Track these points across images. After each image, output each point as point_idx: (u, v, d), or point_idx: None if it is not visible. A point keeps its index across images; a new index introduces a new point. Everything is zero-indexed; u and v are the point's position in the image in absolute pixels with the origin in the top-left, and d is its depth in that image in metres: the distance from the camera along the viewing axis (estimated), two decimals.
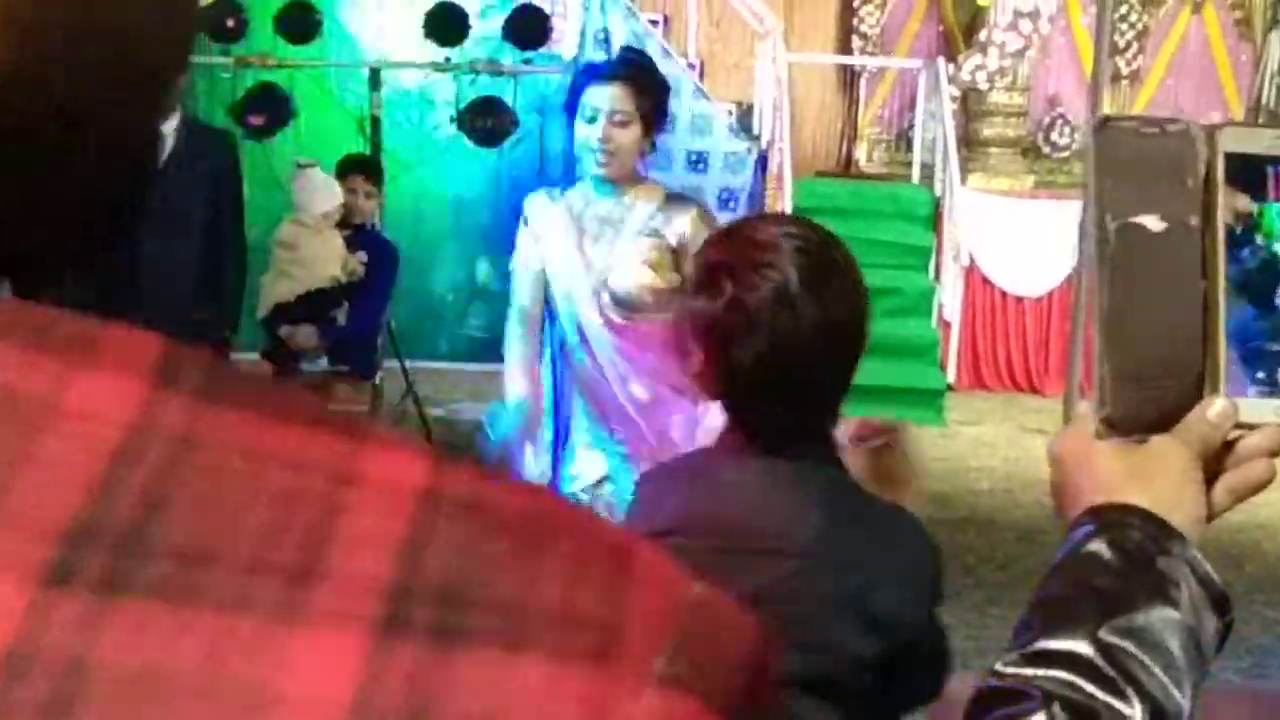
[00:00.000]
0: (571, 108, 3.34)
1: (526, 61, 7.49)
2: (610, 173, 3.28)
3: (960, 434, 8.44)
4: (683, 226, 3.29)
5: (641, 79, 3.34)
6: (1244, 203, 0.84)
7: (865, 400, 9.30)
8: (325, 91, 8.96)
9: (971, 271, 9.51)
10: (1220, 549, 5.26)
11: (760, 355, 1.61)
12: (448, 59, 7.13)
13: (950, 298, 9.50)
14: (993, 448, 8.08)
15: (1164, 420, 0.85)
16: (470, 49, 7.38)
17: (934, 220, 9.81)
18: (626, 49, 3.44)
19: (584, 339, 3.33)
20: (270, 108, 6.81)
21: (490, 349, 9.61)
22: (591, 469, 3.39)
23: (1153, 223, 0.83)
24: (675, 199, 3.42)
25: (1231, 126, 0.85)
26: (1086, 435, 0.87)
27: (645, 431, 3.31)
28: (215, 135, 5.49)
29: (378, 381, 6.61)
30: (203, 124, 5.57)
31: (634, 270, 3.27)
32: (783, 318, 1.60)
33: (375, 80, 6.82)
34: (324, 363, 5.29)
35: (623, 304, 3.29)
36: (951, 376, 9.42)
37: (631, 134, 3.26)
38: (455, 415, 8.23)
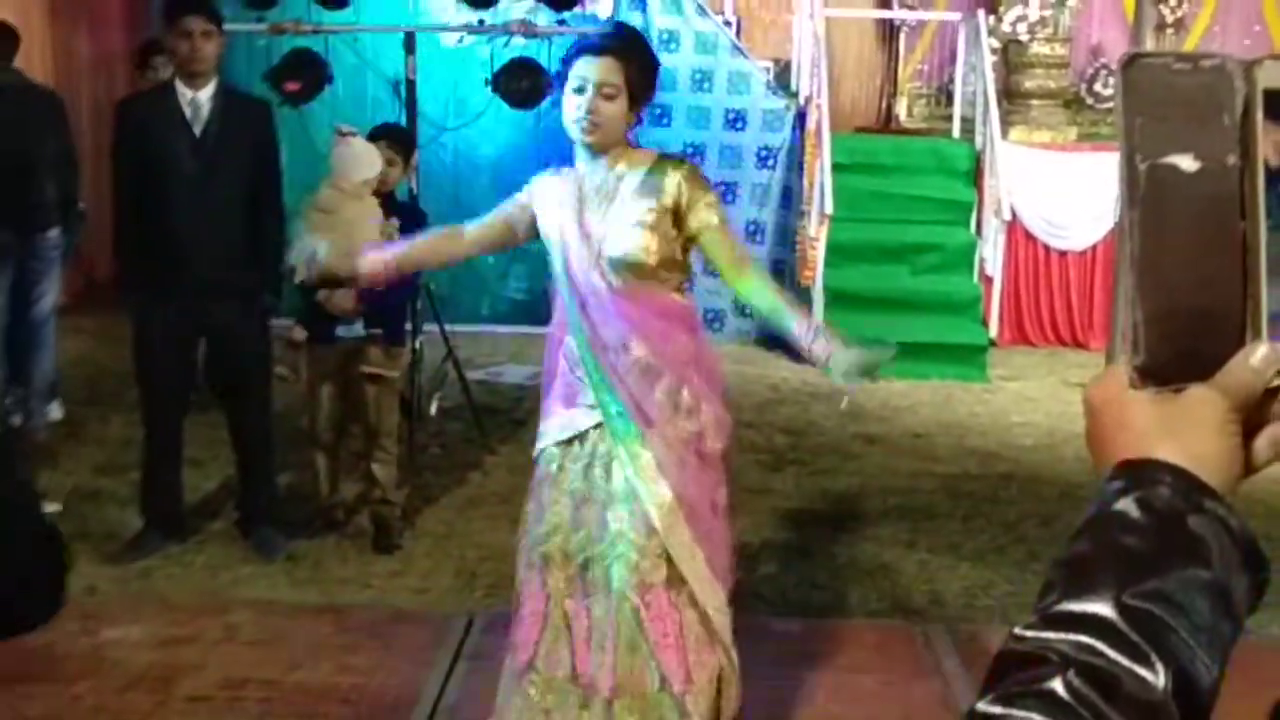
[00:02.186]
0: (562, 77, 3.37)
1: (561, 23, 7.45)
2: (594, 140, 3.33)
3: (1003, 389, 8.38)
4: (674, 186, 3.33)
5: (632, 53, 3.37)
6: None
7: (908, 356, 9.29)
8: (360, 56, 8.96)
9: (1013, 226, 9.41)
10: (1263, 503, 5.21)
11: None
12: (481, 21, 7.10)
13: (992, 253, 9.41)
14: (1035, 403, 8.03)
15: (1202, 368, 0.82)
16: (504, 11, 7.35)
17: (975, 175, 9.72)
18: (619, 23, 3.47)
19: (587, 306, 3.36)
20: (306, 74, 6.81)
21: (531, 311, 9.69)
22: (559, 427, 3.43)
23: (1186, 162, 0.80)
24: (666, 159, 3.46)
25: (1272, 60, 0.81)
26: (1121, 385, 0.83)
27: (646, 392, 3.33)
28: (253, 102, 5.50)
29: (418, 345, 6.63)
30: (240, 91, 5.58)
31: (629, 234, 3.32)
32: None
33: (410, 44, 6.79)
34: (359, 327, 5.30)
35: (620, 268, 3.33)
36: (994, 332, 9.36)
37: (618, 106, 3.31)
38: (496, 378, 8.25)
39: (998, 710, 0.74)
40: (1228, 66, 0.81)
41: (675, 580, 3.33)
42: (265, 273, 5.17)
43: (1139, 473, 0.81)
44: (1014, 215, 9.34)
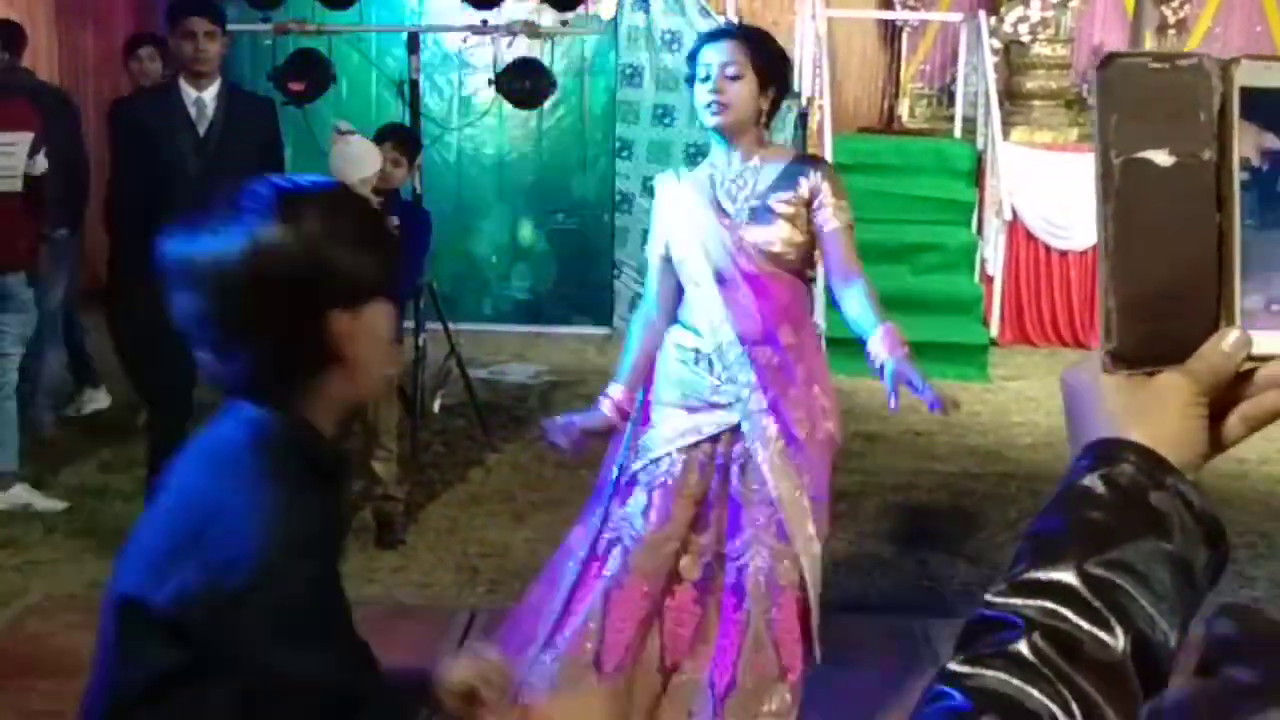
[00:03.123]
0: (691, 78, 3.42)
1: (564, 23, 7.49)
2: (725, 122, 3.35)
3: (1004, 389, 8.42)
4: (816, 180, 3.38)
5: (753, 37, 3.46)
6: (1267, 139, 0.84)
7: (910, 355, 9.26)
8: (364, 57, 9.01)
9: (1015, 226, 9.45)
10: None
11: None
12: (484, 21, 7.14)
13: (993, 253, 9.45)
14: (1036, 402, 8.06)
15: (1176, 353, 0.85)
16: (507, 11, 7.39)
17: (976, 175, 9.76)
18: (744, 24, 3.56)
19: (728, 297, 3.38)
20: (310, 73, 6.84)
21: (533, 311, 9.74)
22: (677, 432, 3.45)
23: (1161, 157, 0.83)
24: (806, 158, 3.59)
25: (1249, 60, 0.84)
26: (1095, 369, 0.88)
27: (785, 387, 3.37)
28: (258, 101, 5.54)
29: (421, 343, 6.67)
30: (244, 90, 5.62)
31: (769, 223, 3.37)
32: None
33: (413, 44, 6.84)
34: None
35: (761, 256, 3.37)
36: (995, 331, 9.39)
37: (746, 87, 3.34)
38: (499, 376, 8.29)
39: (967, 669, 0.79)
40: (1204, 65, 0.84)
41: (802, 578, 3.39)
42: None
43: (1106, 451, 0.85)
44: (1015, 215, 9.37)
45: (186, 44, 5.06)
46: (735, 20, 10.33)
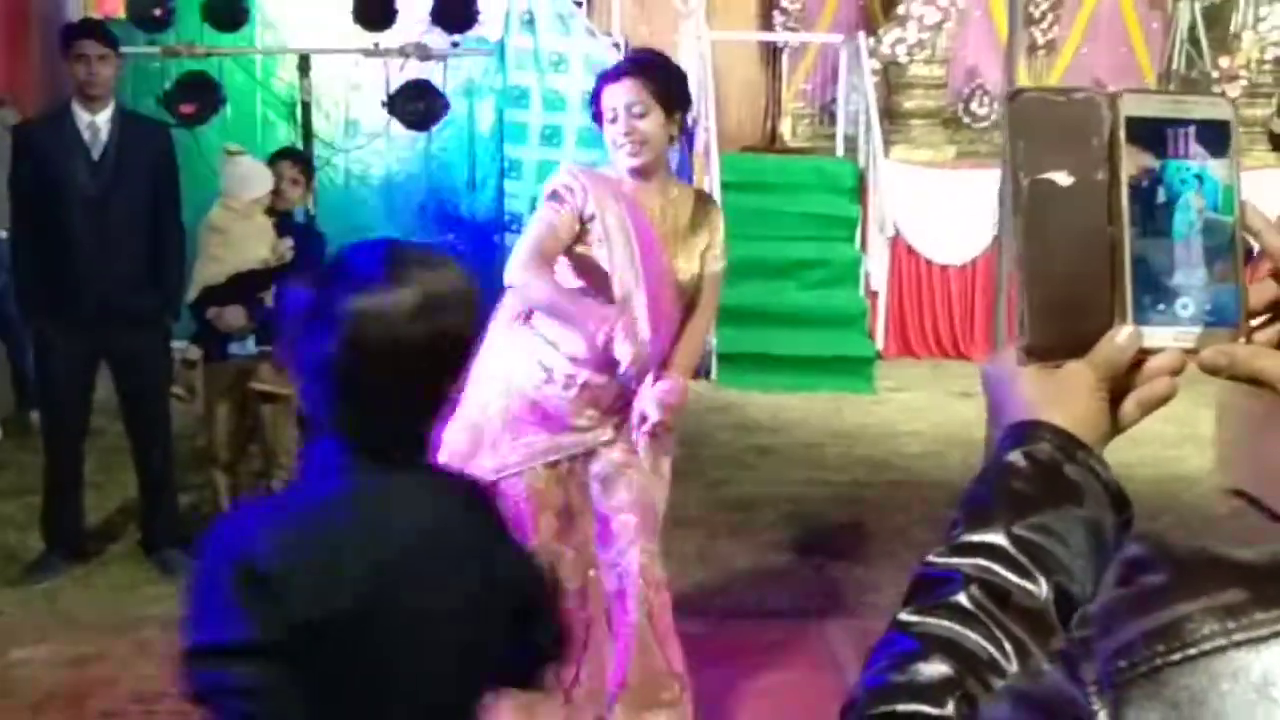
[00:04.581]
0: (598, 116, 3.48)
1: (455, 45, 7.56)
2: (643, 162, 3.43)
3: (890, 400, 8.64)
4: (713, 224, 3.57)
5: (650, 70, 3.46)
6: (1148, 160, 0.97)
7: (797, 369, 9.41)
8: (253, 78, 8.97)
9: (897, 241, 9.70)
10: (1140, 501, 5.46)
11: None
12: (376, 45, 7.18)
13: (877, 267, 9.69)
14: (921, 412, 8.28)
15: (1079, 347, 0.99)
16: (399, 33, 7.44)
17: (859, 192, 10.00)
18: (638, 49, 3.57)
19: (651, 309, 3.42)
20: (201, 96, 6.84)
21: None
22: (541, 451, 3.54)
23: (1062, 178, 0.98)
24: (704, 197, 3.72)
25: (1130, 93, 0.98)
26: (1011, 362, 1.02)
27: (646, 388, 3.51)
28: (151, 124, 5.54)
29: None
30: (139, 115, 5.60)
31: (689, 260, 3.52)
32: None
33: (305, 66, 6.86)
34: (251, 344, 5.35)
35: (678, 287, 3.52)
36: (880, 344, 9.63)
37: (653, 120, 3.39)
38: None
39: (915, 618, 0.92)
40: (1096, 98, 0.99)
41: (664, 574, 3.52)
42: (165, 295, 5.21)
43: (1025, 431, 0.99)
44: (897, 231, 9.62)
45: (79, 67, 5.05)
46: (621, 41, 10.48)
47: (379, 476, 1.74)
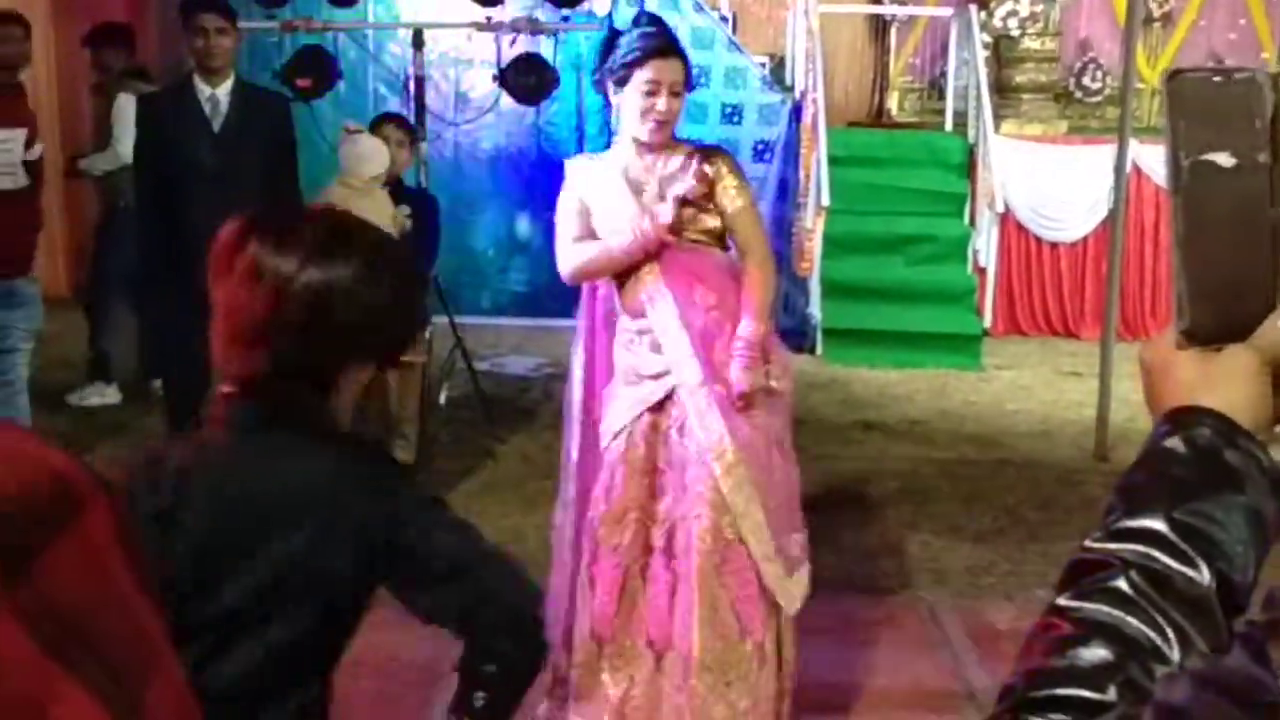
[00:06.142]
0: (621, 78, 3.47)
1: (565, 19, 7.60)
2: (663, 139, 3.50)
3: (997, 378, 8.55)
4: (717, 163, 3.53)
5: (684, 52, 3.56)
6: None
7: (904, 345, 9.34)
8: (367, 53, 9.09)
9: (1006, 218, 9.58)
10: None
11: None
12: (488, 19, 7.24)
13: (985, 244, 9.58)
14: (1029, 390, 8.19)
15: (1238, 331, 0.98)
16: (510, 8, 7.50)
17: (968, 167, 9.88)
18: (651, 17, 3.60)
19: (658, 264, 3.51)
20: (317, 70, 6.94)
21: (531, 303, 9.84)
22: (626, 408, 3.59)
23: (1223, 159, 0.96)
24: (705, 148, 3.67)
25: None
26: (1169, 346, 1.01)
27: (712, 341, 3.50)
28: (270, 96, 5.61)
29: (428, 335, 6.76)
30: (258, 87, 5.69)
31: (680, 190, 3.50)
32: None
33: (418, 40, 6.94)
34: None
35: (676, 233, 3.50)
36: (988, 322, 9.52)
37: (681, 103, 3.50)
38: (499, 368, 8.39)
39: (1074, 604, 0.92)
40: (1257, 79, 0.98)
41: (741, 537, 3.48)
42: None
43: (1184, 417, 0.98)
44: (1007, 207, 9.50)
45: (198, 40, 5.13)
46: (730, 15, 10.45)
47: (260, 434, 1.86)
